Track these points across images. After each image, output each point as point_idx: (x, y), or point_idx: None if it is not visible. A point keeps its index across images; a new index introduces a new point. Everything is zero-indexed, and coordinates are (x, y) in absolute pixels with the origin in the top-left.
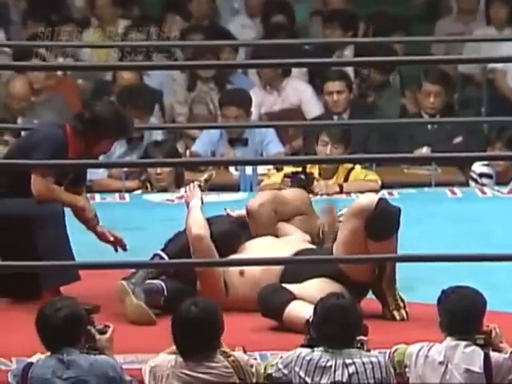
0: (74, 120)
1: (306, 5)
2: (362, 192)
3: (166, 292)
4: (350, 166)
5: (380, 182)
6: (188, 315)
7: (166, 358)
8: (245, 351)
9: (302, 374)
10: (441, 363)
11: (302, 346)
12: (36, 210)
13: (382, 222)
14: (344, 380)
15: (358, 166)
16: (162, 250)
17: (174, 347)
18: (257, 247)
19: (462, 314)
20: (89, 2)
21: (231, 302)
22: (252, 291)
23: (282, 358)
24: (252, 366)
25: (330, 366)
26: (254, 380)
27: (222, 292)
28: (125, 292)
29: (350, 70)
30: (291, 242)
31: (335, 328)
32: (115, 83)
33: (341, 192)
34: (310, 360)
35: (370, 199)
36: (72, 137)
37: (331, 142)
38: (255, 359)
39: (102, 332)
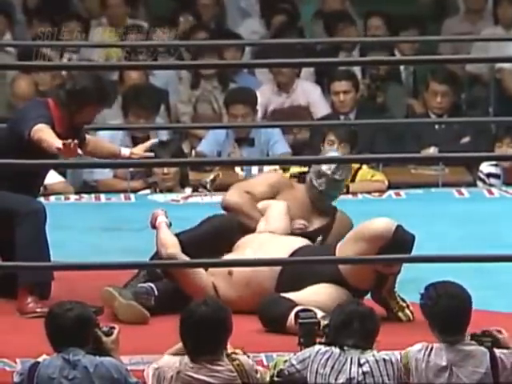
0: (55, 92)
1: (312, 6)
2: (368, 192)
3: (156, 293)
4: (357, 165)
5: (387, 183)
6: (198, 314)
7: (171, 360)
8: (244, 353)
9: (320, 370)
10: (444, 367)
11: (320, 343)
12: (16, 206)
13: (397, 251)
14: (359, 378)
15: (365, 166)
16: (151, 258)
17: (175, 347)
18: (247, 245)
19: (454, 314)
20: (100, 1)
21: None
22: (243, 291)
23: (296, 354)
24: (257, 372)
25: (345, 364)
26: None
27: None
28: (111, 296)
29: (357, 70)
30: (286, 238)
31: (353, 335)
32: (122, 82)
33: (347, 192)
34: (329, 357)
35: (388, 227)
36: (55, 109)
37: (338, 141)
38: (261, 360)
39: (108, 334)
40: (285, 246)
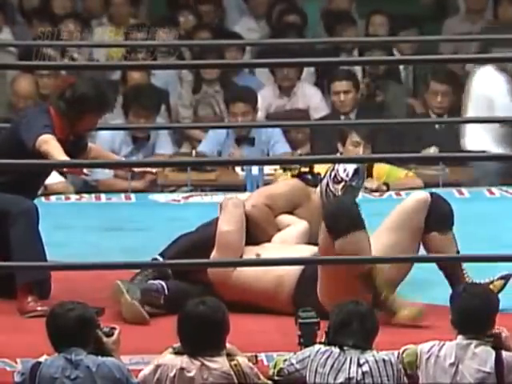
0: (56, 100)
1: (315, 4)
2: (405, 189)
3: (166, 291)
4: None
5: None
6: (195, 313)
7: (174, 359)
8: (256, 359)
9: (320, 369)
10: (451, 364)
11: (320, 342)
12: (7, 206)
13: (444, 211)
14: (358, 378)
15: (382, 164)
16: (160, 254)
17: (170, 349)
18: (261, 250)
19: (472, 313)
20: (102, 0)
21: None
22: (263, 276)
23: (296, 353)
24: (259, 378)
25: (345, 364)
26: None
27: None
28: (119, 292)
29: (357, 70)
30: (299, 246)
31: (353, 335)
32: (124, 82)
33: (387, 190)
34: (328, 356)
35: (424, 193)
36: (56, 117)
37: (363, 142)
38: (261, 360)
39: (109, 334)
40: (300, 251)
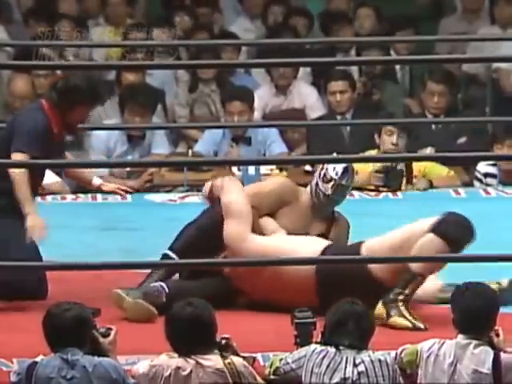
0: (48, 92)
1: (316, 2)
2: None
3: (167, 290)
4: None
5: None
6: (185, 315)
7: (170, 359)
8: (254, 361)
9: (316, 369)
10: (450, 364)
11: (316, 342)
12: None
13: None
14: (354, 378)
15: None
16: (170, 248)
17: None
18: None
19: (473, 313)
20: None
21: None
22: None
23: (293, 353)
24: (255, 379)
25: (341, 364)
26: None
27: None
28: (121, 298)
29: (354, 70)
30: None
31: (349, 335)
32: (119, 84)
33: (431, 187)
34: (324, 356)
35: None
36: (49, 110)
37: (397, 130)
38: (257, 360)
39: (105, 335)
40: (312, 242)
